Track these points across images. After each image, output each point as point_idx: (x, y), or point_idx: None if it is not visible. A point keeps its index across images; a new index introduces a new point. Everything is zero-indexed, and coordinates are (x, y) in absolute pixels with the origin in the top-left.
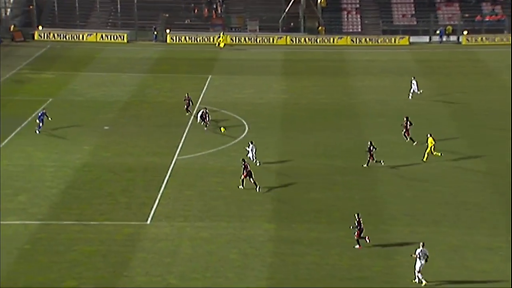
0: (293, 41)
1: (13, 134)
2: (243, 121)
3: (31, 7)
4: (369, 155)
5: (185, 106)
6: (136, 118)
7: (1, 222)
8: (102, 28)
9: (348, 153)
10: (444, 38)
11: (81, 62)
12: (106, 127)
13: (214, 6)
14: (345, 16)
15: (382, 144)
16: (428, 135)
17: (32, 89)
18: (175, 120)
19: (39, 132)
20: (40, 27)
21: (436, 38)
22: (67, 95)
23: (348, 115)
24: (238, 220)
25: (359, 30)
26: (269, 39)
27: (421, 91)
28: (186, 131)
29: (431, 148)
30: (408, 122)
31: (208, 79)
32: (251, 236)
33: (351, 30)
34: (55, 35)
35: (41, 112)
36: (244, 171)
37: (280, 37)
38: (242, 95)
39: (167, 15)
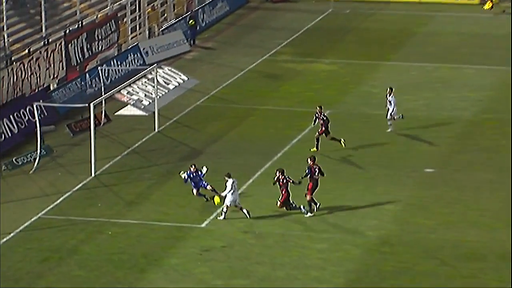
0: None
1: (256, 175)
2: None
3: None
4: None
5: (318, 132)
6: (487, 153)
7: None
8: None
9: None
10: None
11: (389, 41)
12: (428, 170)
13: None
14: None
15: None
16: None
17: (295, 90)
18: None
19: (198, 195)
20: None
21: None
22: (357, 104)
23: None
24: None
25: None
26: None
27: None
28: None
29: None
30: None
31: None
32: None
33: None
34: None
35: (201, 173)
36: (283, 190)
37: None
38: None
39: None
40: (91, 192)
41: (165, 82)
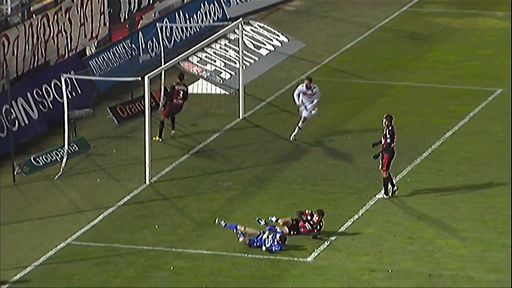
0: None
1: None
2: None
3: None
4: None
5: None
6: None
7: None
8: None
9: None
10: None
11: None
12: None
13: None
14: None
15: None
16: None
17: (450, 59)
18: None
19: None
20: None
21: None
22: None
23: None
24: None
25: None
26: None
27: None
28: None
29: None
30: None
31: None
32: None
33: None
34: None
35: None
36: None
37: None
38: None
39: None
40: (144, 207)
41: (255, 46)
